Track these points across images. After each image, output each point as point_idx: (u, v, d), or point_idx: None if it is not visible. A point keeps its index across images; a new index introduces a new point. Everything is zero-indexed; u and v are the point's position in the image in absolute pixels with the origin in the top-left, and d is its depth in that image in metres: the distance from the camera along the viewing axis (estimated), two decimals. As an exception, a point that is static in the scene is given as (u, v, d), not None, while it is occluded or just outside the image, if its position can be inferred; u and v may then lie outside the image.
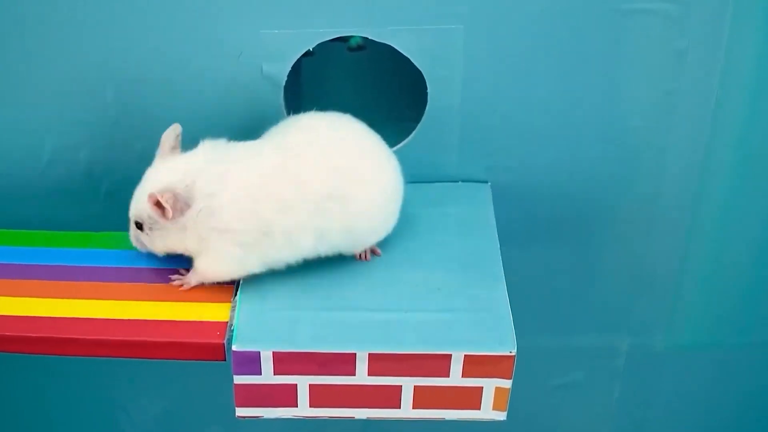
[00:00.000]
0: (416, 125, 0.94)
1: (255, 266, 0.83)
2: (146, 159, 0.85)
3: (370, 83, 1.13)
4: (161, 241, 0.84)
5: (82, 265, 0.88)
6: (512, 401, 0.80)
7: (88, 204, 0.97)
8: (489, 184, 0.96)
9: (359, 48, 1.14)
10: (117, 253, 0.90)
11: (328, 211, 0.82)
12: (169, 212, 0.80)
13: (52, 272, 0.88)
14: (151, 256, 0.87)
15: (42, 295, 0.85)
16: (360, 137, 0.86)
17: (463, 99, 0.91)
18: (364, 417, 0.82)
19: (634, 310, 1.08)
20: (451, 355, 0.78)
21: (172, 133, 0.84)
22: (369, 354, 0.78)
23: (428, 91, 0.91)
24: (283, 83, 0.90)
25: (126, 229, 0.88)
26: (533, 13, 0.87)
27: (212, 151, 0.83)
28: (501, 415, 0.81)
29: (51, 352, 0.83)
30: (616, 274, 1.05)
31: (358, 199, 0.83)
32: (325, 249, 0.84)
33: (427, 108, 0.92)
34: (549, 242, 1.02)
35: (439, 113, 0.92)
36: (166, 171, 0.83)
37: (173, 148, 0.84)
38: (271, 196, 0.81)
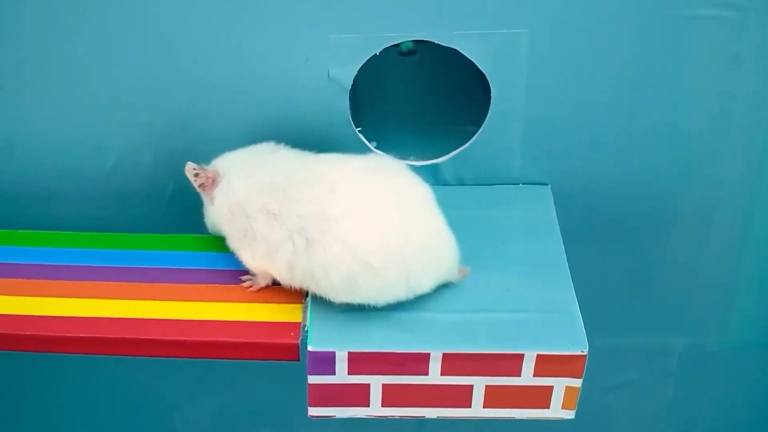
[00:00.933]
0: (475, 129, 0.95)
1: (252, 265, 0.85)
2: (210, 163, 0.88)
3: (422, 87, 1.13)
4: (205, 212, 0.89)
5: (152, 266, 0.89)
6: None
7: (152, 207, 0.99)
8: (549, 186, 0.97)
9: (410, 53, 1.15)
10: (185, 255, 0.91)
11: (295, 245, 0.81)
12: (197, 181, 0.86)
13: (123, 274, 0.89)
14: (216, 257, 0.89)
15: (113, 297, 0.86)
16: (377, 194, 0.82)
17: (527, 103, 0.92)
18: (434, 416, 0.82)
19: (688, 310, 1.08)
20: (523, 354, 0.78)
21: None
22: (443, 354, 0.79)
23: (492, 94, 0.92)
24: (349, 88, 0.91)
25: (189, 231, 0.92)
26: (596, 18, 0.88)
27: (259, 150, 0.88)
28: (570, 414, 0.82)
29: (125, 353, 0.84)
30: (672, 276, 1.05)
31: (327, 250, 0.80)
32: (298, 284, 0.83)
33: (489, 111, 0.93)
34: (605, 244, 1.02)
35: (503, 117, 0.93)
36: (230, 155, 0.88)
37: None
38: (260, 205, 0.83)
